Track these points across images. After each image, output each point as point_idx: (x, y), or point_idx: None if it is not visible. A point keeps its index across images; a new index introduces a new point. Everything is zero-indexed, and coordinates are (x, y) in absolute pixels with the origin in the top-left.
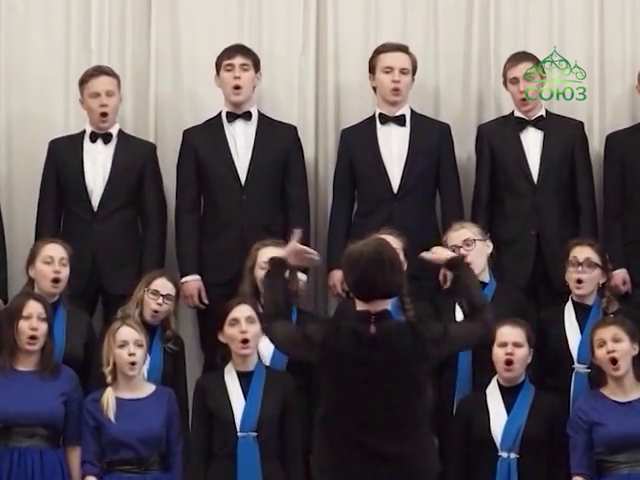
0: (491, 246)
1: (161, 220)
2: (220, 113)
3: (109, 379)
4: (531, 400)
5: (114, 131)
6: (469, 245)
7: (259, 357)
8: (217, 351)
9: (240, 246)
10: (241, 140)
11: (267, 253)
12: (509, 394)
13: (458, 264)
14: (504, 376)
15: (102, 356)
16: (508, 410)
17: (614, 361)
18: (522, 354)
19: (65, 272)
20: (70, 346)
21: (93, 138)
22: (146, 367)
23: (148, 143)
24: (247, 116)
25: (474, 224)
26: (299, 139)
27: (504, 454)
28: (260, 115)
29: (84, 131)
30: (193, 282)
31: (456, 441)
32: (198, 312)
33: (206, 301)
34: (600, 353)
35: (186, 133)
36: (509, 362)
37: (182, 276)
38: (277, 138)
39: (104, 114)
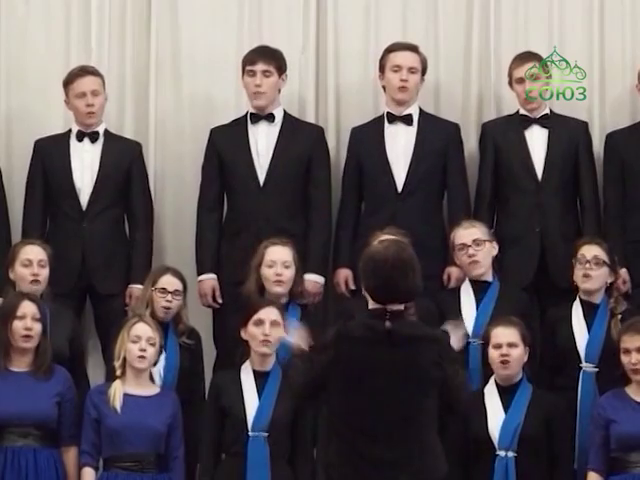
0: (497, 247)
1: (148, 219)
2: (247, 113)
3: (118, 372)
4: (529, 399)
5: (100, 130)
6: (478, 245)
7: (277, 357)
8: (237, 347)
9: (257, 247)
10: (262, 141)
11: (274, 252)
12: (507, 393)
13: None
14: (501, 374)
15: (114, 349)
16: (506, 409)
17: (637, 371)
18: (517, 354)
19: (44, 273)
20: (55, 343)
21: (80, 137)
22: (162, 364)
23: (134, 142)
24: (270, 118)
25: (483, 224)
26: (325, 140)
27: (501, 453)
28: (286, 116)
29: (70, 130)
30: (208, 281)
31: (454, 440)
32: (214, 310)
33: (220, 300)
34: (625, 360)
35: (212, 132)
36: (504, 363)
37: (199, 274)
38: (300, 139)
39: (91, 113)
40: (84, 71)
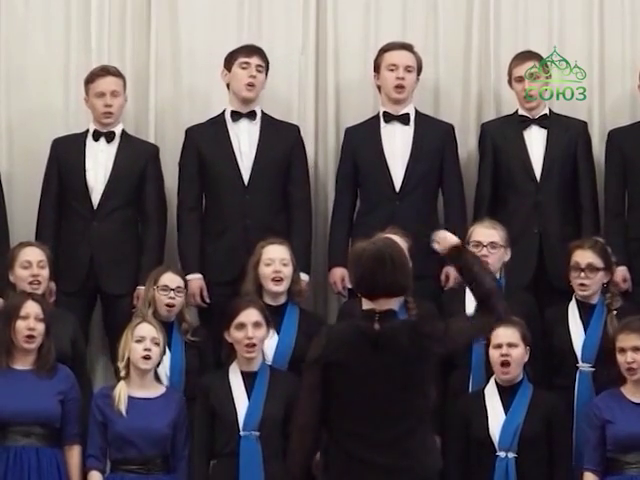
0: (509, 255)
1: (161, 221)
2: (224, 112)
3: (122, 374)
4: (529, 399)
5: (117, 130)
6: (494, 248)
7: (263, 357)
8: (222, 349)
9: (243, 246)
10: (245, 139)
11: (272, 250)
12: (507, 393)
13: (460, 253)
14: (501, 378)
15: (118, 350)
16: (506, 410)
17: (632, 370)
18: (518, 354)
19: (44, 274)
20: (57, 344)
21: (96, 137)
22: (168, 363)
23: (151, 145)
24: (251, 115)
25: (504, 228)
26: (302, 139)
27: (502, 454)
28: (263, 115)
29: (87, 130)
30: (195, 280)
31: (455, 441)
32: (200, 311)
33: (208, 300)
34: (620, 359)
35: (189, 131)
36: (505, 363)
37: (185, 274)
38: (280, 138)
39: (108, 114)
40: (105, 71)
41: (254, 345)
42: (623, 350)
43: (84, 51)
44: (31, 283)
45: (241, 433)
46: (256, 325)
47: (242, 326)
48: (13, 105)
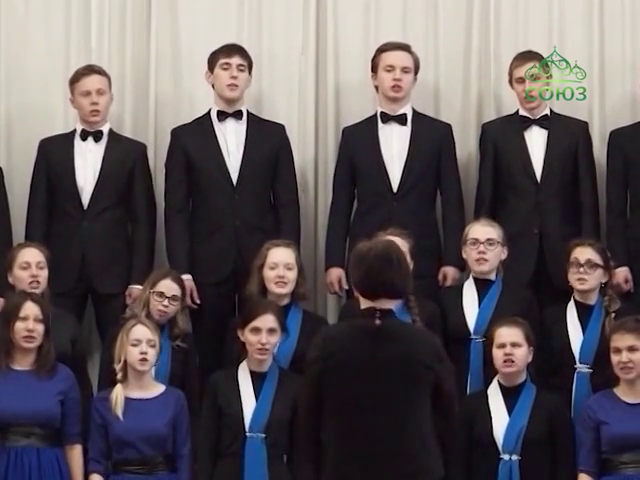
0: (506, 253)
1: (150, 220)
2: (209, 112)
3: (119, 376)
4: (532, 400)
5: (105, 130)
6: (491, 245)
7: (274, 358)
8: (226, 347)
9: (233, 246)
10: (232, 139)
11: (277, 253)
12: (510, 395)
13: None
14: (504, 372)
15: (114, 353)
16: (510, 411)
17: (626, 369)
18: (521, 354)
19: (43, 274)
20: (57, 344)
21: (84, 136)
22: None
23: (139, 143)
24: (238, 115)
25: (501, 227)
26: (288, 138)
27: (505, 456)
28: (249, 114)
29: (75, 130)
30: (186, 282)
31: (458, 443)
32: (191, 312)
33: (198, 301)
34: (615, 359)
35: (175, 132)
36: (508, 363)
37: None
38: (267, 137)
39: (95, 112)
40: (90, 70)
41: (267, 350)
42: (618, 350)
43: (84, 51)
44: (30, 284)
45: (247, 434)
46: (271, 331)
47: (257, 330)
48: (13, 105)
